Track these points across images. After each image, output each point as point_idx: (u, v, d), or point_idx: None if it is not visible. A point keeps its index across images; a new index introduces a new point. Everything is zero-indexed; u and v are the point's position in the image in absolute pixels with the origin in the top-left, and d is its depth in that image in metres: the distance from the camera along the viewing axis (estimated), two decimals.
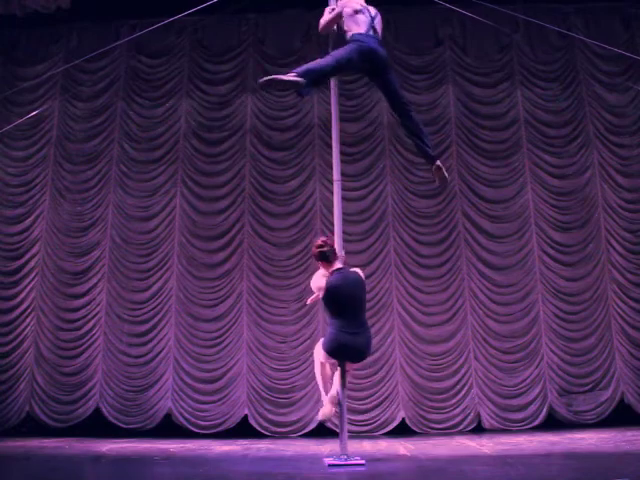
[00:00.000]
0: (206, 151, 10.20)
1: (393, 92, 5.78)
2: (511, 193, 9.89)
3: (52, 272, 9.84)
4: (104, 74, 10.37)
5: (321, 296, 5.52)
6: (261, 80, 5.45)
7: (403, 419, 9.20)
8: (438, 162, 5.68)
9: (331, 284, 5.42)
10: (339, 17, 5.85)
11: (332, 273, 5.47)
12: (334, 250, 5.53)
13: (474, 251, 9.72)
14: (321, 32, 6.06)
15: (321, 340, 5.61)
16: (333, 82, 5.98)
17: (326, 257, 5.51)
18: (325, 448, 6.99)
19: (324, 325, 9.31)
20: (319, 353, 5.55)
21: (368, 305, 9.18)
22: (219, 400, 9.38)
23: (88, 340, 9.60)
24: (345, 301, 5.38)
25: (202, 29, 10.44)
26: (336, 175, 5.78)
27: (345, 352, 5.36)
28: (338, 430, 5.36)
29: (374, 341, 9.18)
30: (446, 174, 5.73)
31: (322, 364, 5.59)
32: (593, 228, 9.70)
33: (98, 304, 9.71)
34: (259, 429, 9.21)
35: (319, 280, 5.55)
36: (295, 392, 9.35)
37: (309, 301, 6.09)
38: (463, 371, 9.34)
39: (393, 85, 5.80)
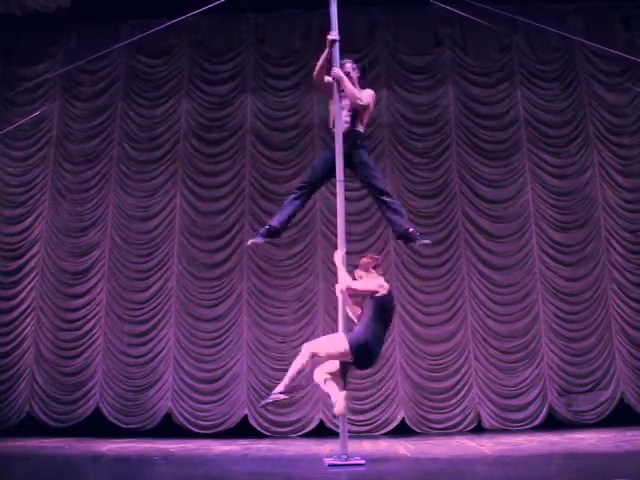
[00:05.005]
0: (206, 151, 10.20)
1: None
2: (511, 193, 9.89)
3: (52, 272, 9.84)
4: (104, 74, 10.38)
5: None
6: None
7: (403, 419, 9.20)
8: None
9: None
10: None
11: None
12: None
13: (474, 251, 9.72)
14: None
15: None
16: (335, 86, 5.88)
17: None
18: (325, 448, 6.99)
19: (324, 325, 9.32)
20: None
21: None
22: (219, 400, 9.38)
23: (88, 340, 9.61)
24: None
25: (202, 29, 10.44)
26: (339, 175, 5.75)
27: None
28: (338, 430, 5.35)
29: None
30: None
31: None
32: (593, 228, 9.70)
33: (98, 304, 9.71)
34: (259, 429, 9.21)
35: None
36: (295, 392, 9.34)
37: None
38: (463, 371, 9.34)
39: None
